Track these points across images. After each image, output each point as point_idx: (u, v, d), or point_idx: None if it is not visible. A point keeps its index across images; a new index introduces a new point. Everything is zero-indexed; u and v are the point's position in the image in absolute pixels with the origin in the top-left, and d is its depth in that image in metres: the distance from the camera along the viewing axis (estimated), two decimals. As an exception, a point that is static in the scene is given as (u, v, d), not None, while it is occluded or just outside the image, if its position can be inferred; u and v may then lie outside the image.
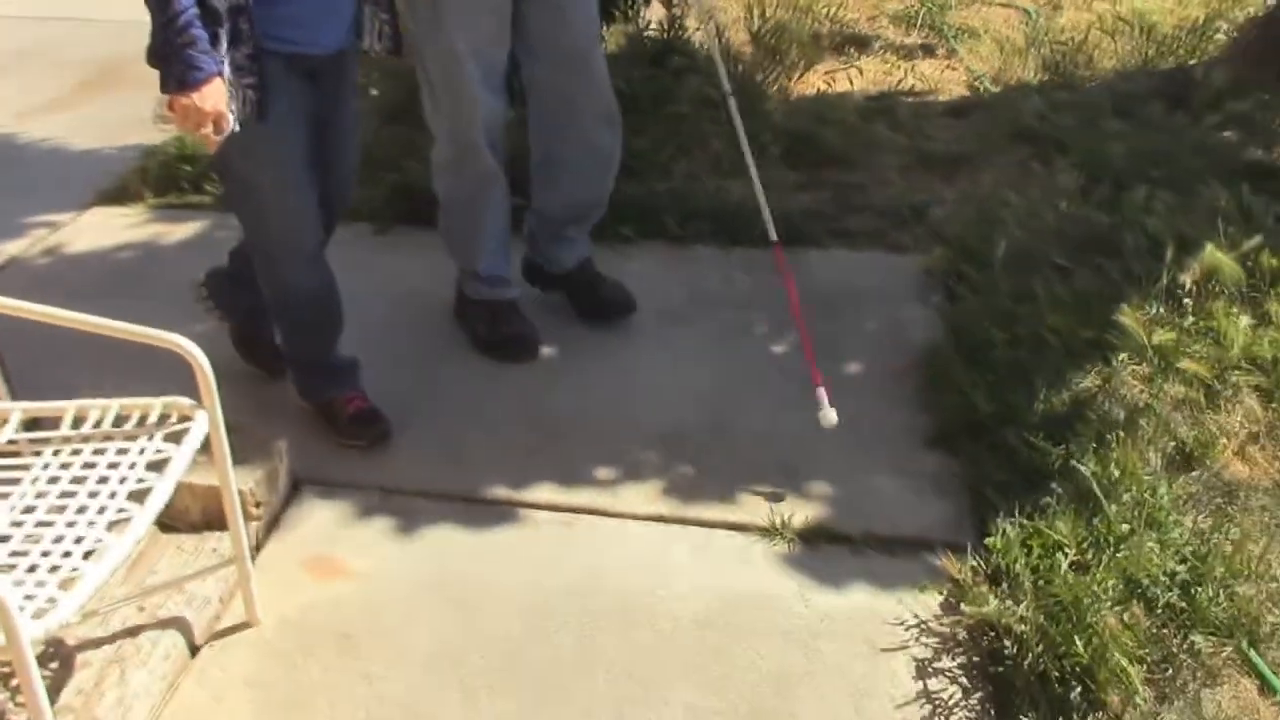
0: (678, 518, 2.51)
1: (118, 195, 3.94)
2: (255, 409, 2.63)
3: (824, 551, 2.43)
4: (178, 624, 2.13)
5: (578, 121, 2.96)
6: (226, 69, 2.18)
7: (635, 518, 2.51)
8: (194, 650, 2.15)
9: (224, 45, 2.16)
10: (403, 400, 2.80)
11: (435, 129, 2.94)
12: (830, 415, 2.64)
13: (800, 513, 2.50)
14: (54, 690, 1.93)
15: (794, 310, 2.85)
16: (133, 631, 2.09)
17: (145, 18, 2.13)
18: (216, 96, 2.13)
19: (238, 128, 2.22)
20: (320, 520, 2.50)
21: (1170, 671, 2.11)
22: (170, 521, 2.33)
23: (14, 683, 1.93)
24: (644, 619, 2.26)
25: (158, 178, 3.98)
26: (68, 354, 2.51)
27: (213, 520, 2.32)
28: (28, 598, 1.62)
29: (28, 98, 4.84)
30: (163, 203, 3.88)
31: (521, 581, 2.34)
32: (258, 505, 2.37)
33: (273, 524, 2.46)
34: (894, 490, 2.58)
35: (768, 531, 2.47)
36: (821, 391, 2.67)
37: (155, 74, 2.19)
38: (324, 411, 2.70)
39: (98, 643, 2.06)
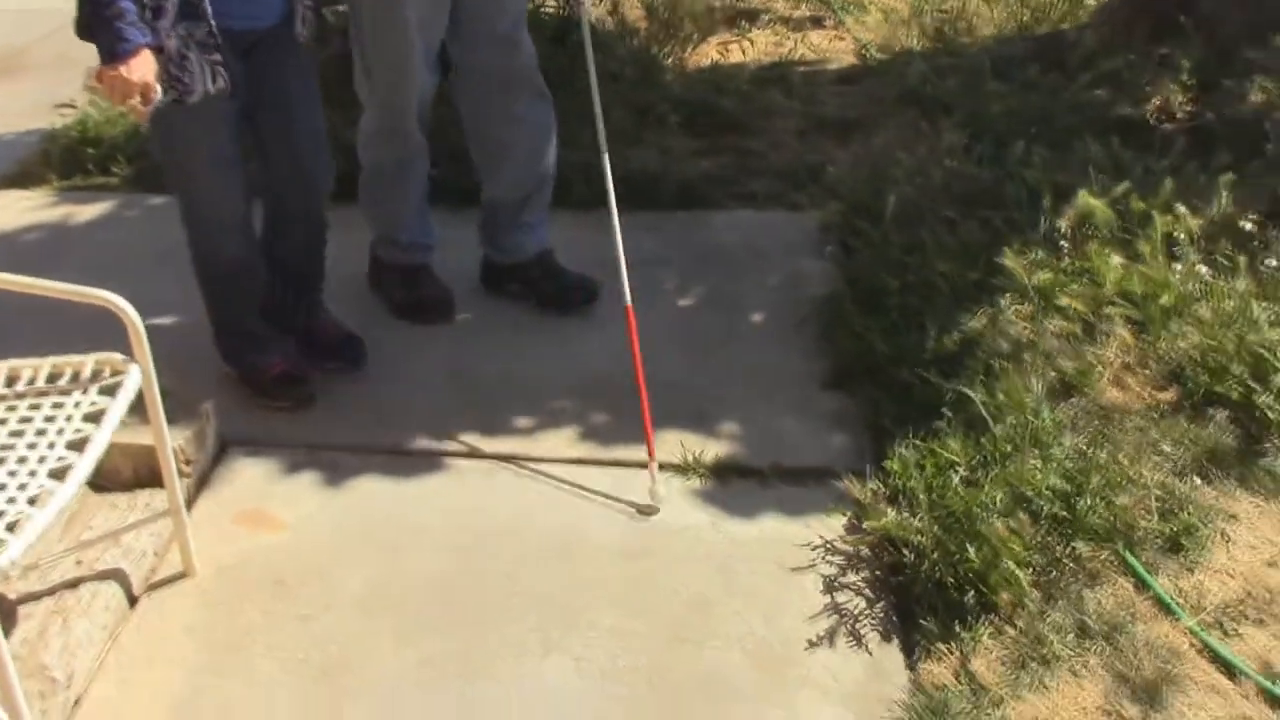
0: (595, 459, 2.64)
1: (20, 179, 3.94)
2: (181, 374, 2.67)
3: (734, 485, 2.58)
4: (116, 576, 2.19)
5: (512, 102, 3.03)
6: (174, 43, 2.24)
7: (555, 461, 2.63)
8: (133, 601, 2.22)
9: (168, 19, 2.22)
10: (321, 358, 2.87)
11: (368, 100, 2.99)
12: (659, 491, 2.51)
13: (711, 451, 2.65)
14: (-2, 641, 1.99)
15: (638, 376, 2.62)
16: (73, 584, 2.15)
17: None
18: (144, 68, 2.20)
19: (194, 99, 2.29)
20: (249, 477, 2.57)
21: (1055, 575, 2.29)
22: (103, 482, 2.39)
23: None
24: (567, 554, 2.38)
25: (62, 161, 3.98)
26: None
27: (144, 479, 2.39)
28: (-23, 539, 1.69)
29: (-80, 87, 4.79)
30: (68, 185, 3.89)
31: (448, 525, 2.45)
32: (188, 463, 2.44)
33: (202, 482, 2.53)
34: (798, 428, 2.74)
35: (681, 469, 2.61)
36: (654, 467, 2.53)
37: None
38: (248, 376, 2.77)
39: (39, 595, 2.12)
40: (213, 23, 2.29)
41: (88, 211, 3.73)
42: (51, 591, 2.13)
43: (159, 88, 2.24)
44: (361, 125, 3.07)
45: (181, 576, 2.29)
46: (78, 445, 1.91)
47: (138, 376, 2.04)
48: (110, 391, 2.01)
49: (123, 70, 2.17)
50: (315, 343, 2.88)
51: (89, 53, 2.28)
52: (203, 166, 2.51)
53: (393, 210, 3.14)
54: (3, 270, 3.26)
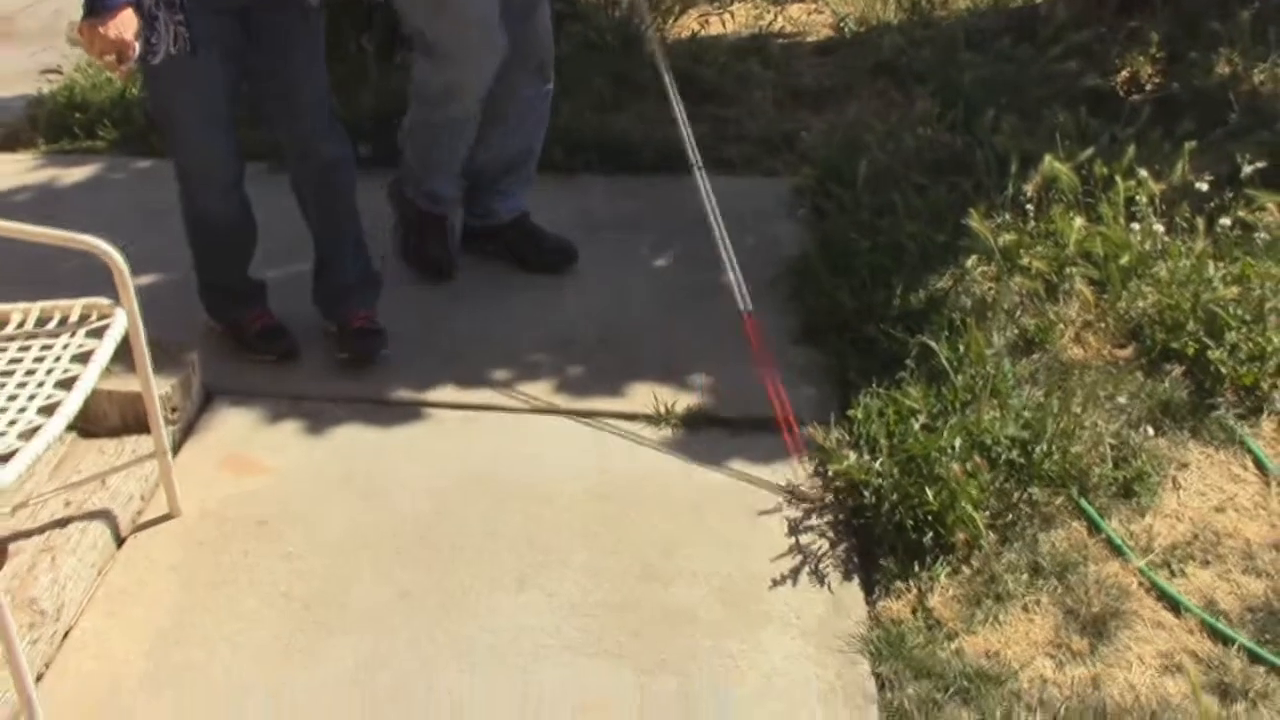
0: (571, 410, 2.72)
1: (8, 143, 3.99)
2: (167, 327, 2.74)
3: (705, 434, 2.66)
4: (103, 516, 2.27)
5: (514, 74, 3.06)
6: (148, 1, 2.30)
7: (532, 412, 2.71)
8: (120, 541, 2.30)
9: None
10: (309, 319, 2.94)
11: (435, 59, 2.95)
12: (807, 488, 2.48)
13: (683, 402, 2.73)
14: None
15: (768, 381, 2.60)
16: (61, 523, 2.23)
17: None
18: (123, 27, 2.26)
19: (156, 60, 2.35)
20: (233, 425, 2.65)
21: (1011, 518, 2.39)
22: (91, 428, 2.46)
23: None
24: (543, 497, 2.46)
25: (48, 125, 4.04)
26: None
27: (130, 425, 2.46)
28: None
29: (-94, 54, 4.83)
30: (55, 149, 3.95)
31: (427, 471, 2.53)
32: (174, 411, 2.51)
33: (188, 430, 2.60)
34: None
35: (653, 419, 2.69)
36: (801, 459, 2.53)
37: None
38: (232, 330, 2.84)
39: (28, 533, 2.19)
40: None
41: (75, 174, 3.79)
42: (41, 530, 2.20)
43: (137, 46, 2.30)
44: (421, 79, 3.05)
45: (167, 518, 2.37)
46: (66, 384, 1.98)
47: (124, 320, 2.11)
48: (98, 334, 2.08)
49: (100, 27, 2.23)
50: (339, 330, 2.89)
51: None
52: (193, 127, 2.57)
53: (438, 162, 3.15)
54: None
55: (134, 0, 2.29)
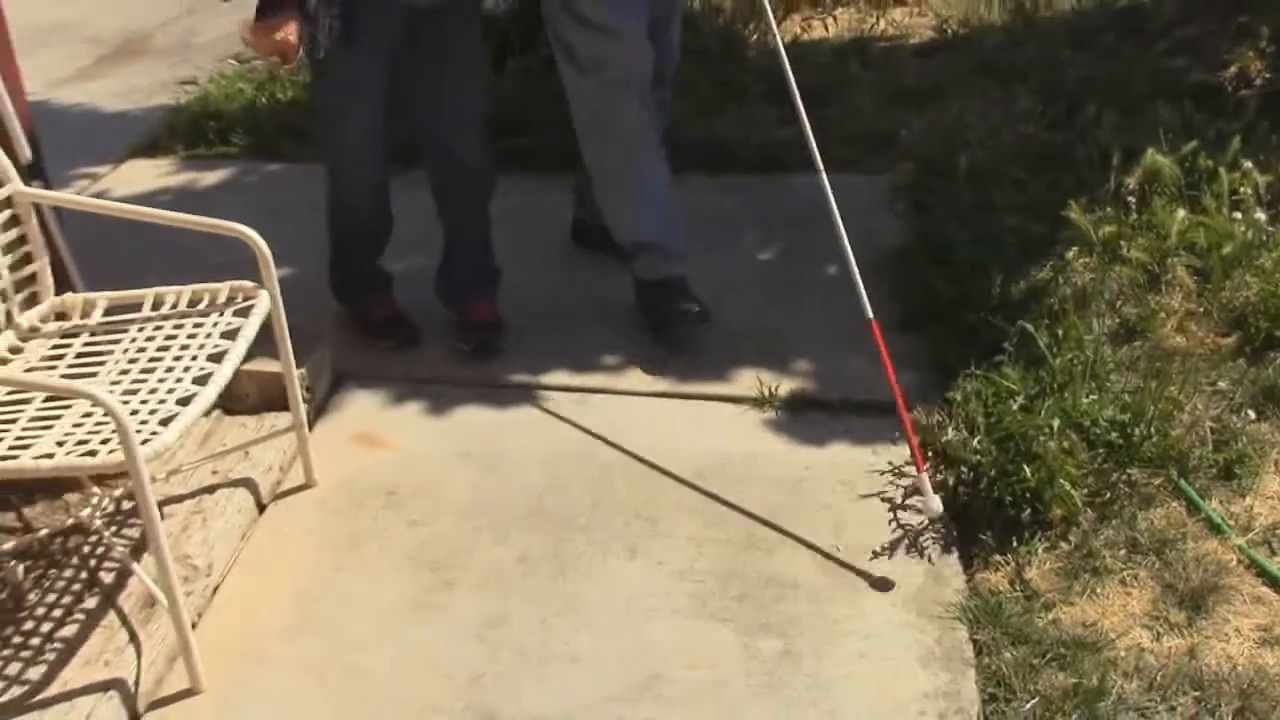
0: (678, 393, 2.84)
1: (150, 149, 4.25)
2: (297, 314, 2.92)
3: (807, 416, 2.76)
4: (247, 484, 2.45)
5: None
6: (313, 3, 2.48)
7: (640, 394, 2.84)
8: (261, 508, 2.48)
9: None
10: (430, 307, 3.10)
11: (586, 79, 2.89)
12: (934, 504, 2.38)
13: (785, 386, 2.83)
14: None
15: (899, 406, 2.51)
16: (209, 489, 2.41)
17: None
18: (285, 31, 2.45)
19: (319, 55, 2.53)
20: (362, 405, 2.82)
21: (1109, 496, 2.44)
22: (232, 406, 2.65)
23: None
24: (651, 472, 2.58)
25: (186, 132, 4.29)
26: (131, 258, 2.83)
27: (270, 402, 2.64)
28: (143, 422, 1.94)
29: (57, 69, 5.15)
30: (192, 154, 4.20)
31: (542, 447, 2.67)
32: (309, 390, 2.69)
33: (320, 409, 2.78)
34: (868, 366, 2.88)
35: (758, 401, 2.80)
36: (924, 479, 2.40)
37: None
38: (359, 315, 3.01)
39: (180, 499, 2.38)
40: None
41: (210, 177, 4.03)
42: (192, 495, 2.39)
43: (300, 47, 2.49)
44: (578, 116, 2.96)
45: (304, 488, 2.54)
46: (216, 358, 2.16)
47: (267, 300, 2.28)
48: (244, 313, 2.26)
49: (265, 30, 2.43)
50: (461, 322, 3.02)
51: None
52: (349, 125, 2.75)
53: (636, 187, 2.99)
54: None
55: (298, 3, 2.47)
